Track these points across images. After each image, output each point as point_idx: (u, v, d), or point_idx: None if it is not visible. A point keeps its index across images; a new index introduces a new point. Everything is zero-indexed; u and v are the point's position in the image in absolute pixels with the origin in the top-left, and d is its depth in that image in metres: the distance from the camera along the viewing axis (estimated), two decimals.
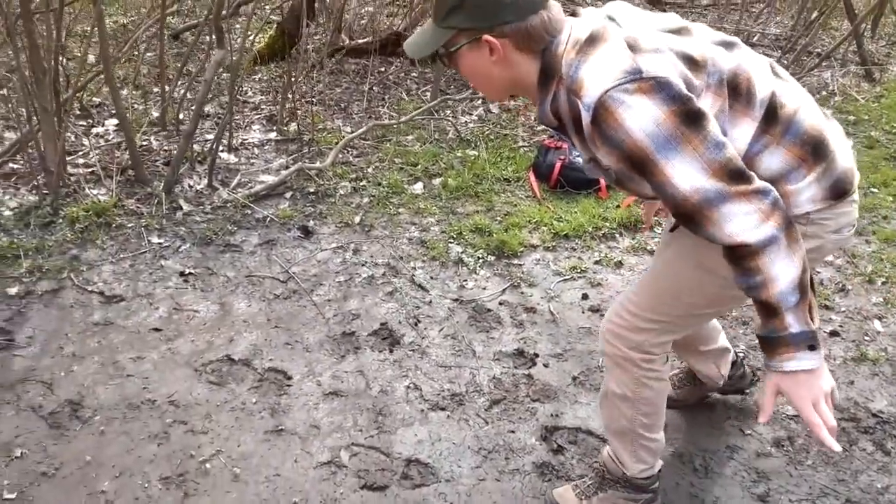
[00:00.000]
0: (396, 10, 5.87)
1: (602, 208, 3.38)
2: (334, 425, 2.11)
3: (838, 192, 1.33)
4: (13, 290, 2.54)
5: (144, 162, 3.48)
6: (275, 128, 4.09)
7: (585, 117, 1.22)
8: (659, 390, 1.66)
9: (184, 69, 4.16)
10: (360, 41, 5.07)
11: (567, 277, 2.92)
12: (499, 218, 3.30)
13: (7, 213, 2.97)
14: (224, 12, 3.51)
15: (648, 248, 3.16)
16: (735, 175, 1.19)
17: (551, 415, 2.19)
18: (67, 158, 3.35)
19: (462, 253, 3.02)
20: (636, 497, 1.79)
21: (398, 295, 2.75)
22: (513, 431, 2.13)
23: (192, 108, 4.10)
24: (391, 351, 2.46)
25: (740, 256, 1.21)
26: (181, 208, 3.21)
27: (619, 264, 3.03)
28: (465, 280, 2.87)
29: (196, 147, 3.66)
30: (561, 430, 2.15)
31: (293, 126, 4.05)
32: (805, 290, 1.20)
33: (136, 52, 4.52)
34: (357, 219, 3.24)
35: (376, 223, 3.23)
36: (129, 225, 3.03)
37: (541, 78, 1.32)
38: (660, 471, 1.80)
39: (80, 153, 3.53)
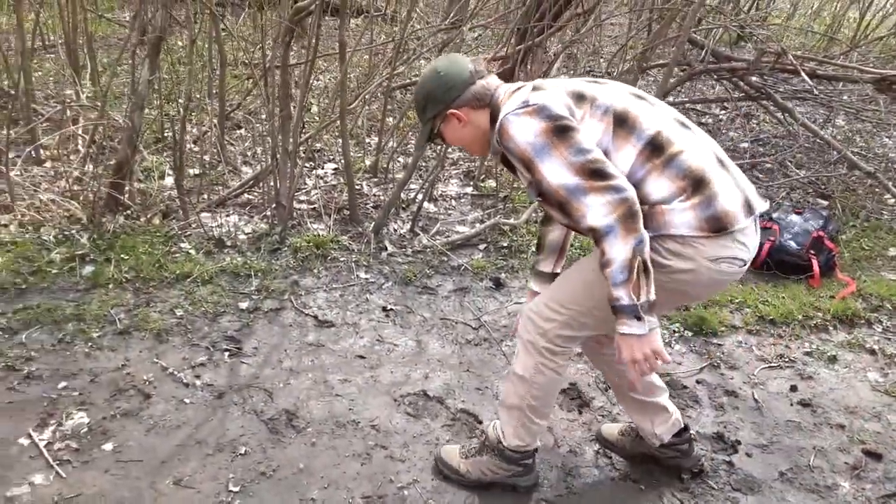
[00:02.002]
0: None
1: (813, 297, 3.15)
2: None
3: (716, 226, 1.58)
4: (244, 305, 2.84)
5: (357, 204, 3.78)
6: (472, 183, 4.28)
7: (497, 138, 1.65)
8: (551, 380, 1.88)
9: (399, 123, 4.51)
10: None
11: (773, 365, 2.73)
12: None
13: (242, 236, 3.35)
14: None
15: (867, 345, 2.88)
16: (593, 174, 1.53)
17: None
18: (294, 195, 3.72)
19: None
20: (507, 467, 2.01)
21: (587, 358, 2.71)
22: None
23: (400, 159, 4.43)
24: (580, 412, 2.43)
25: (594, 239, 1.54)
26: (386, 249, 3.43)
27: (833, 359, 2.79)
28: None
29: (402, 195, 3.92)
30: None
31: (490, 182, 4.21)
32: (632, 271, 1.49)
33: (357, 107, 4.97)
34: None
35: None
36: (342, 259, 3.28)
37: (490, 121, 1.74)
38: (535, 451, 2.03)
39: (304, 191, 3.91)
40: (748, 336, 2.92)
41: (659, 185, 1.59)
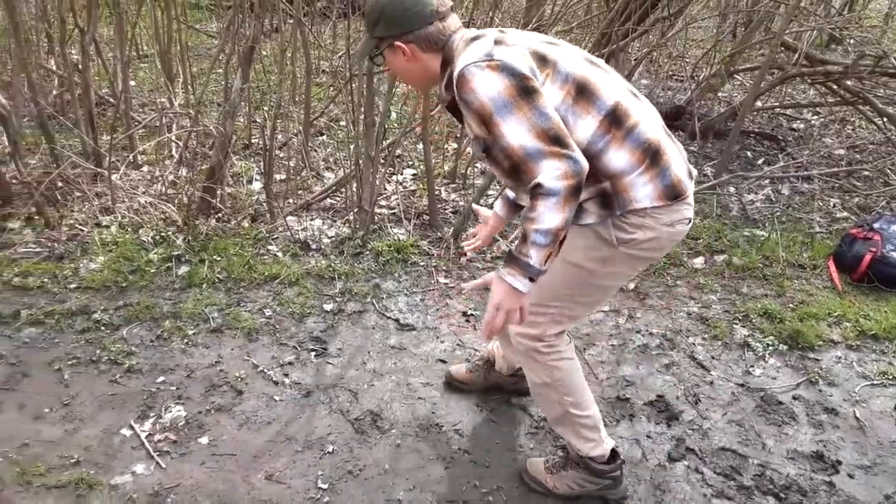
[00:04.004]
0: (678, 84, 5.84)
1: None
2: None
3: (672, 195, 1.66)
4: (328, 307, 2.90)
5: (437, 210, 3.80)
6: None
7: (452, 86, 1.59)
8: (568, 368, 1.89)
9: None
10: None
11: (876, 383, 2.58)
12: (792, 305, 3.04)
13: (326, 240, 3.42)
14: None
15: None
16: (553, 139, 1.50)
17: None
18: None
19: (749, 336, 2.83)
20: (595, 480, 1.98)
21: (675, 369, 2.64)
22: None
23: (479, 165, 4.43)
24: (669, 426, 2.35)
25: (533, 194, 1.50)
26: (465, 254, 3.43)
27: None
28: (752, 366, 2.66)
29: (481, 201, 3.92)
30: None
31: None
32: (553, 241, 1.51)
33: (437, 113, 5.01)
34: (632, 285, 3.20)
35: (651, 292, 3.16)
36: (422, 263, 3.31)
37: (441, 67, 1.70)
38: (623, 463, 2.00)
39: (384, 196, 3.97)
40: (848, 351, 2.77)
41: (618, 156, 1.63)
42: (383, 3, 1.68)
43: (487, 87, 1.52)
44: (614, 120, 1.62)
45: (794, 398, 2.49)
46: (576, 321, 1.90)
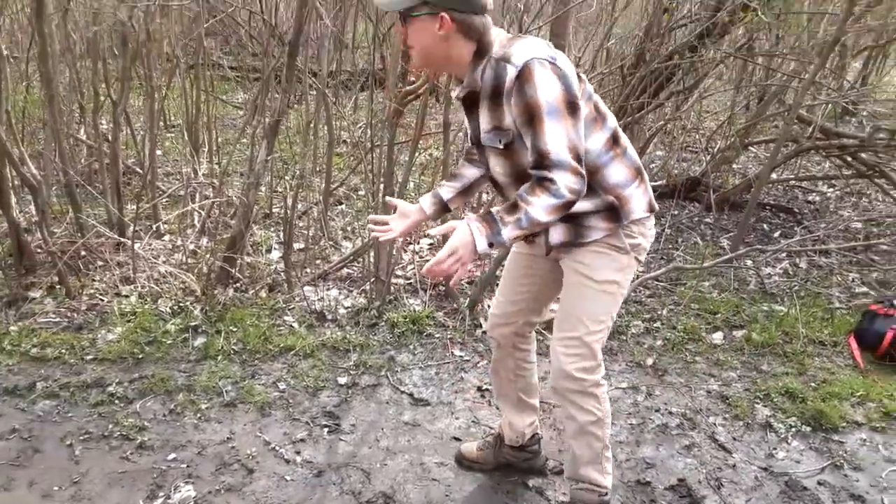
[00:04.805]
0: (693, 156, 5.89)
1: None
2: None
3: (652, 207, 1.93)
4: (342, 380, 2.88)
5: None
6: None
7: (512, 73, 1.65)
8: (607, 399, 2.02)
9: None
10: (654, 184, 5.14)
11: None
12: (814, 384, 2.97)
13: (342, 310, 3.43)
14: None
15: None
16: (577, 158, 1.66)
17: None
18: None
19: (771, 417, 2.76)
20: None
21: (697, 451, 2.57)
22: None
23: None
24: None
25: (540, 185, 1.64)
26: (480, 326, 3.42)
27: None
28: (775, 448, 2.59)
29: (497, 271, 3.93)
30: None
31: None
32: (529, 230, 1.66)
33: None
34: (650, 361, 3.16)
35: (670, 368, 3.11)
36: (437, 335, 3.30)
37: (475, 56, 1.74)
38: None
39: (400, 266, 3.99)
40: (873, 433, 2.69)
41: (619, 171, 1.84)
42: None
43: (547, 88, 1.64)
44: (615, 139, 1.85)
45: (819, 483, 2.41)
46: (605, 340, 2.02)
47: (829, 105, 4.93)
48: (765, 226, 4.74)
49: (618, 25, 4.88)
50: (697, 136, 5.88)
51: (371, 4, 5.07)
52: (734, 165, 5.57)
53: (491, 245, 1.64)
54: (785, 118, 4.21)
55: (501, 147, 1.76)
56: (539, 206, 1.63)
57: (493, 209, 1.67)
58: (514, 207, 1.64)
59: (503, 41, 1.74)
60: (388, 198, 2.07)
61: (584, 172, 1.66)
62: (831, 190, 5.48)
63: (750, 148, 5.52)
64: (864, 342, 3.21)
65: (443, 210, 2.07)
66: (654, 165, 5.62)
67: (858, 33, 5.18)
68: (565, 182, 1.63)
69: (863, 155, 4.39)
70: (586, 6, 5.09)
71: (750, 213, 4.17)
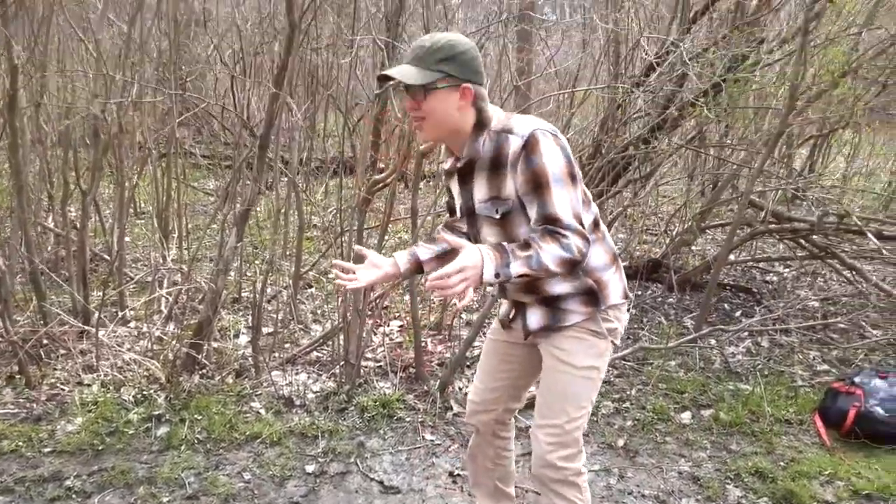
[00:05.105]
0: (653, 238, 6.09)
1: None
2: None
3: (626, 293, 1.97)
4: (310, 468, 2.82)
5: (423, 362, 3.81)
6: None
7: (517, 142, 1.73)
8: (587, 487, 2.01)
9: None
10: None
11: None
12: (782, 463, 2.99)
13: (310, 395, 3.38)
14: None
15: None
16: (580, 223, 1.73)
17: None
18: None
19: (742, 497, 2.76)
20: None
21: None
22: None
23: (464, 315, 4.50)
24: None
25: (553, 235, 1.70)
26: (451, 408, 3.40)
27: None
28: None
29: (467, 353, 3.94)
30: None
31: None
32: (535, 273, 1.67)
33: None
34: (621, 442, 3.16)
35: (641, 449, 3.11)
36: (408, 419, 3.26)
37: (475, 127, 1.82)
38: None
39: (370, 348, 3.98)
40: None
41: (599, 254, 1.90)
42: (454, 44, 1.75)
43: (553, 158, 1.72)
44: (596, 223, 1.91)
45: None
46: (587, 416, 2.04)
47: (780, 191, 5.19)
48: (726, 305, 4.87)
49: (576, 116, 5.13)
50: (656, 220, 6.09)
51: (342, 97, 5.27)
52: (693, 248, 5.76)
53: (497, 276, 1.64)
54: (738, 204, 4.41)
55: (498, 217, 1.81)
56: (549, 254, 1.67)
57: (505, 244, 1.71)
58: (526, 246, 1.69)
59: (500, 117, 1.83)
60: (357, 247, 2.00)
61: (589, 238, 1.74)
62: (787, 270, 5.68)
63: (707, 231, 5.73)
64: (828, 420, 3.26)
65: (417, 270, 2.01)
66: (617, 248, 5.78)
67: (802, 125, 5.52)
68: (575, 241, 1.69)
69: (814, 237, 4.60)
70: (544, 103, 5.38)
71: (710, 293, 4.29)
